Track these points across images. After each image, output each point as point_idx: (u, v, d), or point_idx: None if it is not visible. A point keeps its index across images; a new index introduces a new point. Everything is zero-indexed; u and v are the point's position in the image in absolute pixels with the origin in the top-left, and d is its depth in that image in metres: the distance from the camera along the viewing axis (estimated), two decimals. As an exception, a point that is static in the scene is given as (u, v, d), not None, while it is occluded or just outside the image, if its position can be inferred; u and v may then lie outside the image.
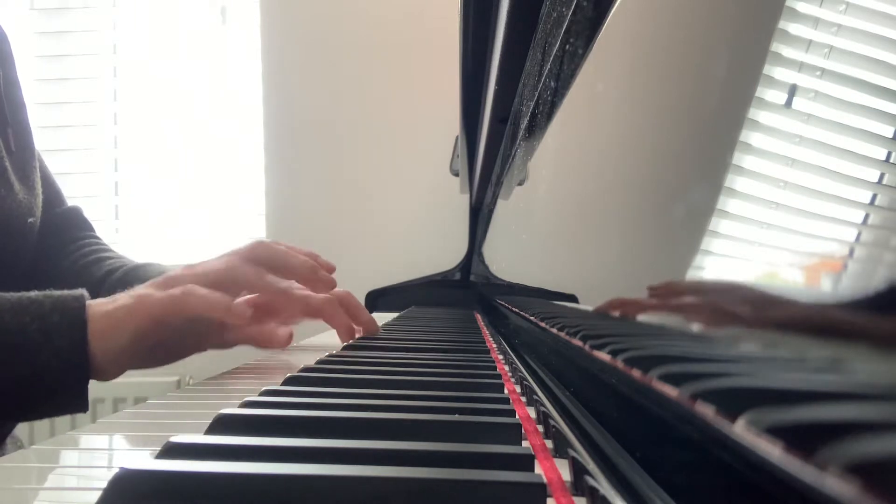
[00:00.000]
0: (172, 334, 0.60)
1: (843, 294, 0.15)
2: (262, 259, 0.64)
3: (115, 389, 1.69)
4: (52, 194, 0.92)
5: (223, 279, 0.61)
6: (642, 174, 0.32)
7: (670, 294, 0.25)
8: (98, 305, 0.56)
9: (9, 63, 0.85)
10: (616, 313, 0.32)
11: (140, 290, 0.58)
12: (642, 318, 0.28)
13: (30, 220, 0.80)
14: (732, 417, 0.17)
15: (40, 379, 0.53)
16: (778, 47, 0.20)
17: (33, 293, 0.55)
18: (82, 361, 0.54)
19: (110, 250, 0.90)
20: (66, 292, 0.56)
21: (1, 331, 0.52)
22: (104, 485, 0.22)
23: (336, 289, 0.70)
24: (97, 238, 0.93)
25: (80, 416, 1.79)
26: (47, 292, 0.56)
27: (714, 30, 0.25)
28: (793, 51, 0.19)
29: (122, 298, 0.57)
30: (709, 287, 0.22)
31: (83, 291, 0.56)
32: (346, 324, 0.68)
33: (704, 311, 0.22)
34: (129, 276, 0.78)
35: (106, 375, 0.57)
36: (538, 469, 0.28)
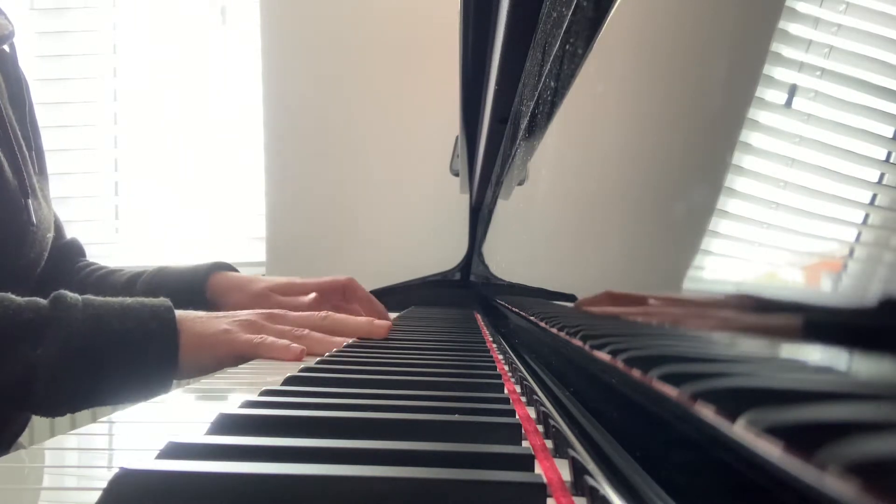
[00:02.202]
0: (234, 363, 0.70)
1: (843, 294, 0.15)
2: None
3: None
4: (57, 228, 1.02)
5: (297, 337, 0.69)
6: (642, 174, 0.32)
7: (660, 298, 0.25)
8: (188, 321, 0.68)
9: (28, 90, 0.92)
10: (610, 308, 0.32)
11: (225, 323, 0.69)
12: (642, 317, 0.28)
13: (49, 234, 0.88)
14: (732, 417, 0.17)
15: (137, 372, 0.64)
16: (778, 47, 0.20)
17: (129, 300, 0.68)
18: (172, 361, 0.65)
19: (105, 266, 1.03)
20: (157, 301, 0.68)
21: (110, 331, 0.64)
22: (104, 485, 0.22)
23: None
24: (96, 262, 1.06)
25: (80, 415, 1.79)
26: (141, 300, 0.68)
27: (714, 30, 0.25)
28: (793, 51, 0.19)
29: (209, 323, 0.69)
30: (708, 289, 0.22)
31: (169, 303, 0.68)
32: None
33: (704, 312, 0.22)
34: (156, 279, 0.93)
35: (181, 376, 0.68)
36: (538, 469, 0.28)
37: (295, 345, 0.68)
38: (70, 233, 1.07)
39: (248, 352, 0.68)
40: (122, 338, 0.64)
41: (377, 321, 0.76)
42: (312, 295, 0.94)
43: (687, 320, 0.23)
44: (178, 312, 0.68)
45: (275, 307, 0.81)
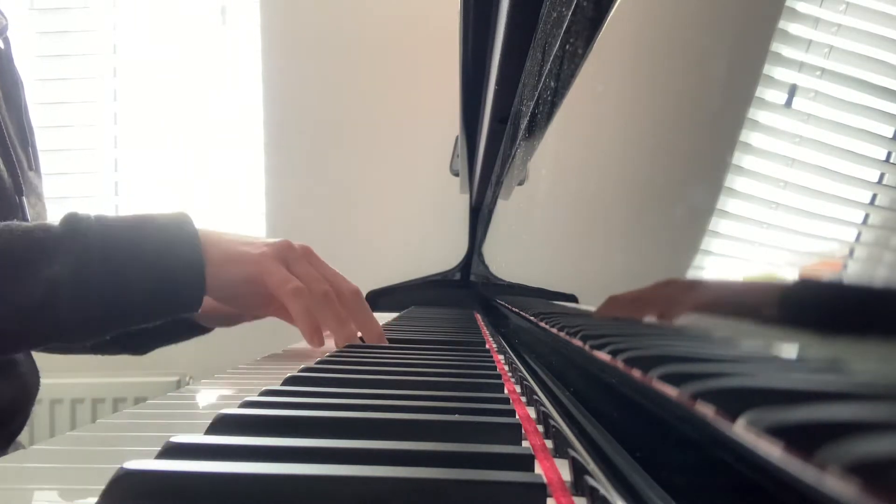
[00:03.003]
0: (261, 297, 0.67)
1: (842, 294, 0.15)
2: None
3: (115, 389, 1.69)
4: None
5: (319, 304, 0.66)
6: (642, 174, 0.32)
7: (666, 294, 0.25)
8: (212, 232, 0.66)
9: (23, 88, 0.91)
10: (614, 313, 0.32)
11: (257, 244, 0.66)
12: (642, 317, 0.28)
13: None
14: (732, 417, 0.17)
15: (162, 280, 0.60)
16: (778, 47, 0.20)
17: (142, 214, 0.64)
18: (198, 264, 0.62)
19: None
20: (172, 212, 0.64)
21: (128, 240, 0.60)
22: (104, 485, 0.22)
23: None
24: None
25: (80, 416, 1.78)
26: (156, 213, 0.64)
27: (714, 30, 0.25)
28: (793, 51, 0.19)
29: (235, 239, 0.67)
30: (708, 287, 0.22)
31: (186, 213, 0.65)
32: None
33: (704, 311, 0.22)
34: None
35: (208, 292, 0.64)
36: (538, 469, 0.28)
37: (321, 333, 0.65)
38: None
39: (280, 293, 0.64)
40: (142, 247, 0.60)
41: (382, 340, 0.70)
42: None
43: (687, 320, 0.23)
44: (202, 227, 0.65)
45: None
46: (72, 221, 0.61)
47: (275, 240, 0.69)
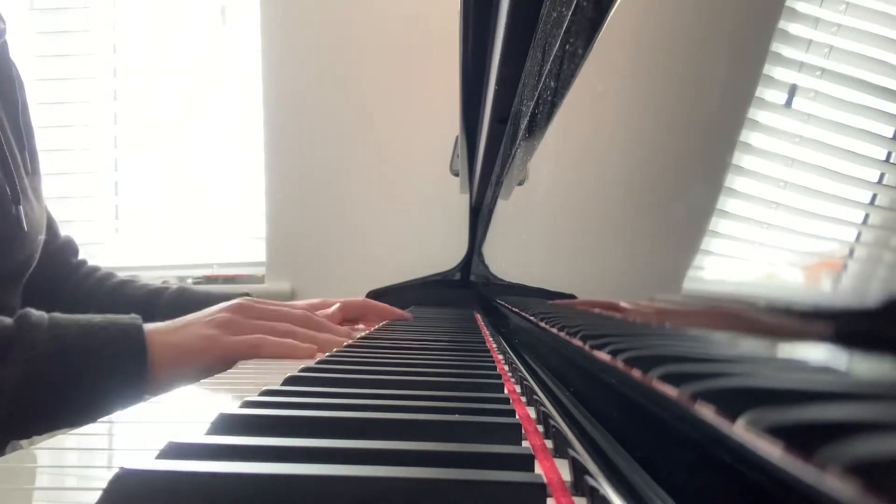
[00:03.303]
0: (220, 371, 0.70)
1: (843, 294, 0.15)
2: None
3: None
4: (50, 226, 1.02)
5: (284, 332, 0.69)
6: (642, 174, 0.32)
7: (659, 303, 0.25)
8: (161, 335, 0.66)
9: (22, 88, 0.92)
10: (608, 313, 0.32)
11: (203, 329, 0.68)
12: (642, 318, 0.28)
13: (40, 237, 0.88)
14: (732, 417, 0.17)
15: (103, 391, 0.62)
16: (778, 47, 0.20)
17: (96, 317, 0.65)
18: (141, 380, 0.63)
19: (116, 274, 1.05)
20: (124, 319, 0.66)
21: (75, 353, 0.62)
22: (104, 485, 0.22)
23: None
24: (96, 265, 1.07)
25: (80, 416, 1.77)
26: (109, 317, 0.66)
27: (714, 30, 0.25)
28: (793, 51, 0.19)
29: (185, 332, 0.67)
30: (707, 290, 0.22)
31: (139, 321, 0.66)
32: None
33: (705, 313, 0.22)
34: (180, 300, 0.92)
35: (162, 390, 0.64)
36: (538, 469, 0.28)
37: (303, 345, 0.67)
38: (70, 233, 1.07)
39: (249, 353, 0.67)
40: (86, 359, 0.62)
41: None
42: (336, 305, 0.93)
43: (687, 320, 0.23)
44: (148, 326, 0.66)
45: None
46: (25, 325, 0.63)
47: (214, 312, 0.70)
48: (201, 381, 0.54)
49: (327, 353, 0.61)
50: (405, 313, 1.04)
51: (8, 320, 0.63)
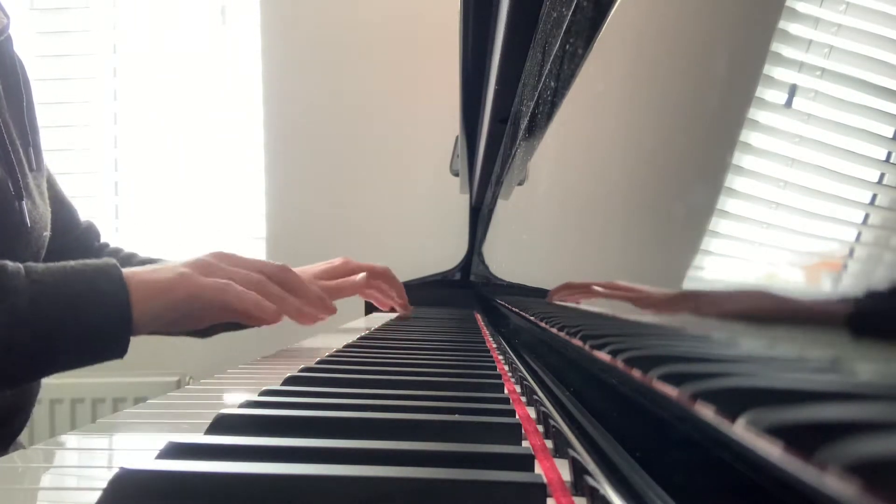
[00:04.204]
0: (199, 311, 0.69)
1: (843, 294, 0.15)
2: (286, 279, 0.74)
3: (115, 389, 1.69)
4: (70, 215, 1.03)
5: (255, 281, 0.70)
6: (642, 174, 0.32)
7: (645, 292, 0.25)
8: (136, 274, 0.66)
9: (29, 87, 0.91)
10: (566, 299, 0.32)
11: (177, 267, 0.68)
12: (642, 317, 0.28)
13: (45, 233, 0.87)
14: (732, 417, 0.17)
15: (90, 332, 0.63)
16: (778, 47, 0.20)
17: (73, 262, 0.65)
18: (126, 317, 0.64)
19: (123, 249, 1.05)
20: (99, 261, 0.66)
21: (57, 294, 0.62)
22: (104, 485, 0.22)
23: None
24: (111, 246, 1.08)
25: (80, 416, 1.78)
26: (84, 261, 0.66)
27: (714, 30, 0.25)
28: (793, 51, 0.19)
29: (161, 271, 0.68)
30: (706, 289, 0.22)
31: (113, 260, 0.67)
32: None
33: (700, 310, 0.22)
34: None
35: (140, 331, 0.66)
36: (538, 469, 0.28)
37: (267, 302, 0.67)
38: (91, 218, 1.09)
39: (214, 296, 0.67)
40: (69, 300, 0.62)
41: (305, 309, 0.74)
42: (362, 275, 0.94)
43: (687, 320, 0.23)
44: (127, 269, 0.66)
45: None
46: (2, 278, 0.62)
47: (194, 257, 0.72)
48: (201, 380, 0.54)
49: (327, 354, 0.61)
50: (405, 305, 1.07)
51: None
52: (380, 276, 1.02)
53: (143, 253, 1.01)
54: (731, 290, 0.21)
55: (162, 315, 0.67)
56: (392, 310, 1.09)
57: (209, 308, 0.68)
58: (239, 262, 0.72)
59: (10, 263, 0.63)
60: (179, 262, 0.70)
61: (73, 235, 0.98)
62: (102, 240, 1.08)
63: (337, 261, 0.96)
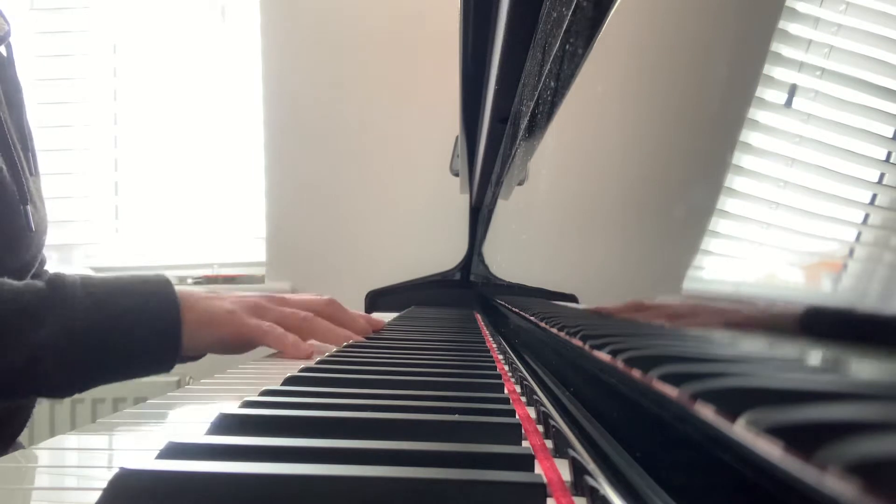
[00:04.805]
0: (239, 348, 0.72)
1: (843, 294, 0.15)
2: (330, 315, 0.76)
3: (116, 389, 1.69)
4: None
5: (303, 327, 0.72)
6: (642, 174, 0.32)
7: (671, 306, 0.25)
8: (191, 298, 0.69)
9: (21, 90, 0.92)
10: (628, 315, 0.32)
11: (228, 304, 0.71)
12: (642, 318, 0.28)
13: (44, 237, 0.88)
14: (732, 417, 0.17)
15: (142, 349, 0.65)
16: (778, 47, 0.20)
17: (126, 276, 0.68)
18: (177, 336, 0.66)
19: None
20: (156, 277, 0.69)
21: (111, 310, 0.64)
22: (104, 485, 0.22)
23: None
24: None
25: (80, 416, 1.78)
26: (139, 276, 0.69)
27: (714, 30, 0.25)
28: (793, 51, 0.19)
29: (213, 302, 0.70)
30: (708, 290, 0.22)
31: (167, 278, 0.69)
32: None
33: (705, 313, 0.22)
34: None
35: (183, 353, 0.68)
36: (538, 469, 0.28)
37: (305, 343, 0.69)
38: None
39: (256, 337, 0.69)
40: (123, 316, 0.64)
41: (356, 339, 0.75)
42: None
43: (687, 320, 0.23)
44: (179, 288, 0.69)
45: None
46: (58, 286, 0.64)
47: (245, 295, 0.74)
48: (201, 380, 0.54)
49: (326, 353, 0.61)
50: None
51: (40, 283, 0.64)
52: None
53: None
54: (731, 290, 0.21)
55: (206, 346, 0.70)
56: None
57: (249, 347, 0.71)
58: (288, 303, 0.74)
59: (66, 274, 0.65)
60: (233, 297, 0.73)
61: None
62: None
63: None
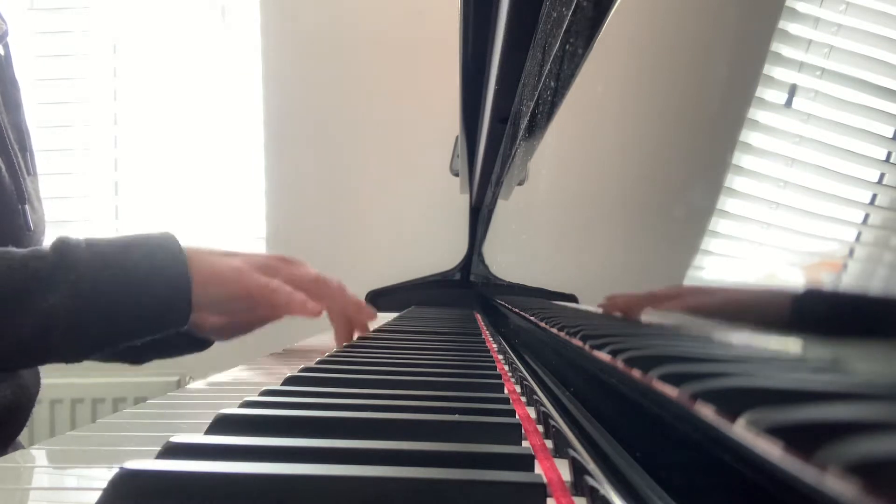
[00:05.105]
0: (247, 307, 0.71)
1: (842, 294, 0.15)
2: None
3: (115, 389, 1.69)
4: None
5: (312, 288, 0.71)
6: (642, 174, 0.32)
7: (668, 296, 0.25)
8: (198, 253, 0.68)
9: (19, 90, 0.92)
10: (613, 312, 0.32)
11: (237, 261, 0.69)
12: (642, 317, 0.28)
13: (42, 237, 0.87)
14: (732, 417, 0.17)
15: (151, 305, 0.64)
16: (778, 47, 0.20)
17: (129, 235, 0.67)
18: (187, 285, 0.65)
19: None
20: (160, 233, 0.67)
21: (118, 268, 0.63)
22: (104, 485, 0.22)
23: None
24: None
25: (80, 416, 1.77)
26: (145, 234, 0.67)
27: (714, 30, 0.25)
28: (793, 51, 0.19)
29: (221, 258, 0.69)
30: (708, 289, 0.22)
31: (173, 234, 0.68)
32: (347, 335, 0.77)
33: (705, 312, 0.22)
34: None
35: (195, 309, 0.67)
36: (538, 469, 0.28)
37: (312, 302, 0.69)
38: (70, 233, 1.08)
39: (263, 295, 0.68)
40: (131, 273, 0.63)
41: (361, 314, 0.76)
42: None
43: (687, 320, 0.23)
44: (186, 245, 0.68)
45: None
46: (63, 250, 0.63)
47: (255, 254, 0.73)
48: (201, 380, 0.54)
49: (327, 354, 0.61)
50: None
51: (45, 249, 0.64)
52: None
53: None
54: (731, 289, 0.21)
55: (216, 302, 0.68)
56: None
57: (258, 306, 0.70)
58: (299, 266, 0.74)
59: (70, 237, 0.64)
60: (239, 255, 0.71)
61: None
62: None
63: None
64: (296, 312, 0.69)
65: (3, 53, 0.87)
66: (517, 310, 0.70)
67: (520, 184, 0.75)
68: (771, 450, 0.16)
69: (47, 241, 0.95)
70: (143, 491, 0.22)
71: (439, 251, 1.65)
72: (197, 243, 0.71)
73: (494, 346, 0.72)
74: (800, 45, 0.18)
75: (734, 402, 0.18)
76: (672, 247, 0.26)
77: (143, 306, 0.64)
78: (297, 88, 1.79)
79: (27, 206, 0.80)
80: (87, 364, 0.68)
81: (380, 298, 1.57)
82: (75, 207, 1.85)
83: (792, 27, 0.19)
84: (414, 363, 0.53)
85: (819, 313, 0.16)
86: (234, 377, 0.57)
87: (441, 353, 0.60)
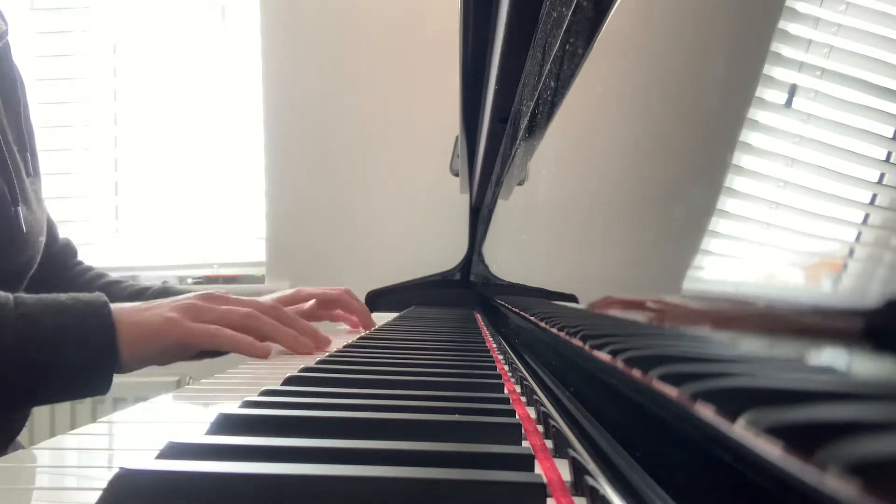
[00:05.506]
0: (188, 355, 0.71)
1: (842, 294, 0.15)
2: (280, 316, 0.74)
3: (115, 389, 1.68)
4: (51, 230, 1.02)
5: (246, 324, 0.70)
6: (642, 174, 0.32)
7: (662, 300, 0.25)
8: (127, 313, 0.67)
9: (24, 89, 0.92)
10: (611, 311, 0.32)
11: (166, 311, 0.68)
12: (642, 317, 0.28)
13: (40, 238, 0.87)
14: (732, 417, 0.17)
15: (75, 370, 0.63)
16: (778, 47, 0.20)
17: (64, 296, 0.66)
18: (111, 358, 0.64)
19: (108, 273, 1.05)
20: (92, 297, 0.66)
21: (45, 330, 0.62)
22: (104, 485, 0.22)
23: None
24: (90, 265, 1.07)
25: (80, 416, 1.78)
26: (76, 296, 0.66)
27: (714, 30, 0.25)
28: (793, 51, 0.19)
29: (149, 313, 0.68)
30: (708, 290, 0.22)
31: (105, 297, 0.67)
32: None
33: (705, 313, 0.22)
34: (163, 296, 0.91)
35: (125, 370, 0.68)
36: (538, 469, 0.28)
37: (259, 343, 0.68)
38: (70, 233, 1.07)
39: (203, 341, 0.68)
40: (56, 336, 0.62)
41: (301, 339, 0.74)
42: (312, 301, 0.94)
43: (687, 320, 0.23)
44: (115, 305, 0.67)
45: None
46: None
47: (180, 298, 0.72)
48: (201, 381, 0.54)
49: (326, 353, 0.61)
50: (368, 322, 1.00)
51: None
52: (335, 303, 0.99)
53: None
54: (731, 289, 0.21)
55: (149, 358, 0.68)
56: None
57: (197, 351, 0.70)
58: (228, 301, 0.72)
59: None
60: (168, 304, 0.70)
61: (51, 251, 0.98)
62: (79, 256, 1.08)
63: (289, 291, 0.97)
64: (245, 353, 0.68)
65: (2, 50, 0.87)
66: (517, 310, 0.70)
67: (520, 184, 0.75)
68: (771, 450, 0.16)
69: (47, 242, 0.95)
70: (142, 491, 0.22)
71: (439, 251, 1.64)
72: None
73: (494, 345, 0.72)
74: (800, 45, 0.18)
75: (734, 402, 0.18)
76: (672, 247, 0.26)
77: (66, 369, 0.63)
78: (297, 88, 1.79)
79: (20, 208, 0.80)
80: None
81: (380, 298, 1.57)
82: (75, 207, 1.85)
83: (792, 27, 0.19)
84: (414, 363, 0.53)
85: (818, 313, 0.16)
86: (234, 377, 0.57)
87: (441, 353, 0.60)
